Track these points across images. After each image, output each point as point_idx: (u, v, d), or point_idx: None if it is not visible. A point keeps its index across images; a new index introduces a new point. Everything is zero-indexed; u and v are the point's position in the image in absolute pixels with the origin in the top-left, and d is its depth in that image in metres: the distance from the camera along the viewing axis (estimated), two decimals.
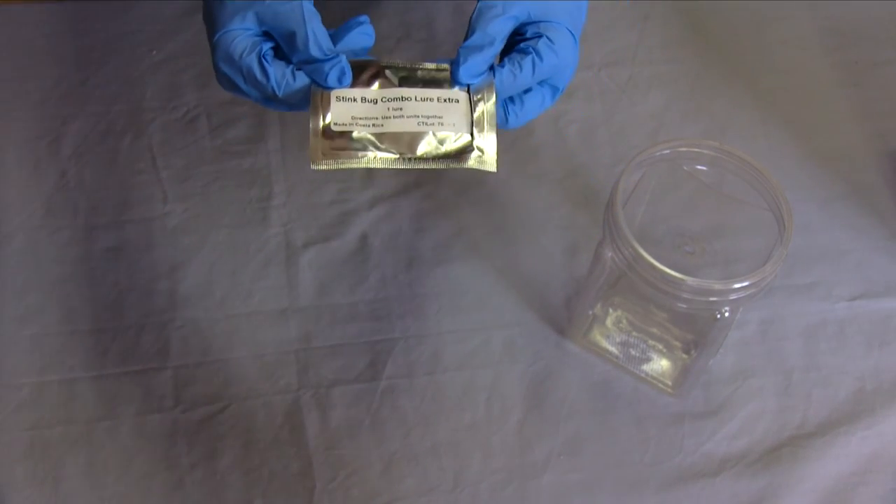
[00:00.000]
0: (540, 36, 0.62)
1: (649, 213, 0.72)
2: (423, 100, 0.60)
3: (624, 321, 0.77)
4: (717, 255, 0.71)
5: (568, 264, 0.81)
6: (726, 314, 0.67)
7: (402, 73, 0.62)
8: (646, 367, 0.77)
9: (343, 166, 0.59)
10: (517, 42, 0.64)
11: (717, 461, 0.74)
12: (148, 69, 0.88)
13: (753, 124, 0.89)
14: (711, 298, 0.65)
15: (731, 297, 0.65)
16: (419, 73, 0.62)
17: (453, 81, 0.62)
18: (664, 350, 0.77)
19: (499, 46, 0.63)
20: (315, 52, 0.60)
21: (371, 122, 0.60)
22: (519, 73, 0.62)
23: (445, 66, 0.63)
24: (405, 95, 0.61)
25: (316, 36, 0.60)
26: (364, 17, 0.64)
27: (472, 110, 0.61)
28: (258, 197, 0.83)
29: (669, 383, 0.77)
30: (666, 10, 0.95)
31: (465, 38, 0.63)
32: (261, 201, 0.82)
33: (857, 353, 0.79)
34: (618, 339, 0.78)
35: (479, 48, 0.61)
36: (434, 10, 0.93)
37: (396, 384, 0.76)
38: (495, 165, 0.60)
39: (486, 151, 0.60)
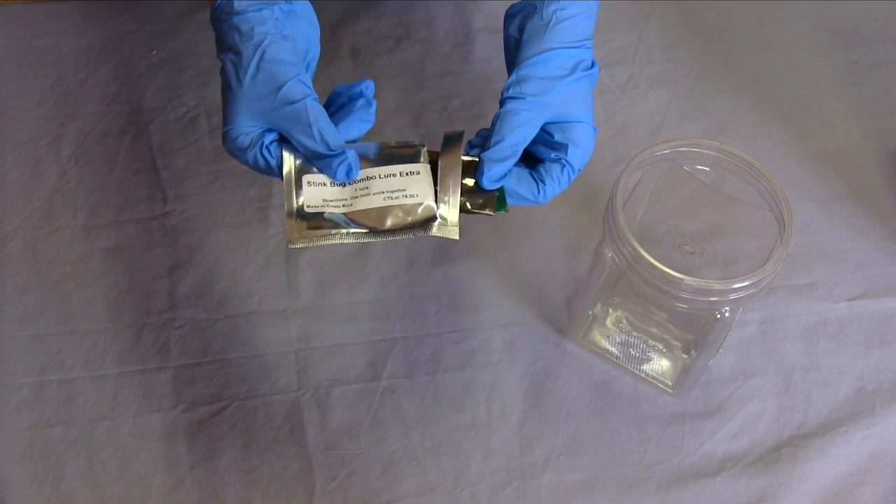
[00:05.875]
0: (566, 145, 0.65)
1: (649, 213, 0.72)
2: (387, 176, 0.64)
3: (624, 321, 0.77)
4: (717, 255, 0.71)
5: (568, 264, 0.81)
6: (726, 314, 0.67)
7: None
8: (646, 367, 0.77)
9: (318, 244, 0.63)
10: (543, 140, 0.67)
11: (717, 461, 0.74)
12: (148, 69, 0.88)
13: (753, 124, 0.89)
14: (711, 298, 0.65)
15: (731, 297, 0.65)
16: (385, 151, 0.66)
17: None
18: (664, 350, 0.77)
19: (520, 153, 0.66)
20: (323, 150, 0.63)
21: (341, 203, 0.64)
22: (558, 186, 0.66)
23: (409, 141, 0.66)
24: (370, 175, 0.64)
25: (323, 135, 0.63)
26: (366, 87, 0.66)
27: (434, 180, 0.64)
28: (258, 197, 0.83)
29: (669, 383, 0.77)
30: (666, 10, 0.95)
31: (490, 139, 0.65)
32: (261, 201, 0.82)
33: (857, 353, 0.79)
34: (618, 339, 0.78)
35: (502, 159, 0.65)
36: (434, 10, 0.93)
37: (396, 384, 0.76)
38: (457, 234, 0.64)
39: (449, 219, 0.64)
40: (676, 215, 0.72)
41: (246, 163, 0.65)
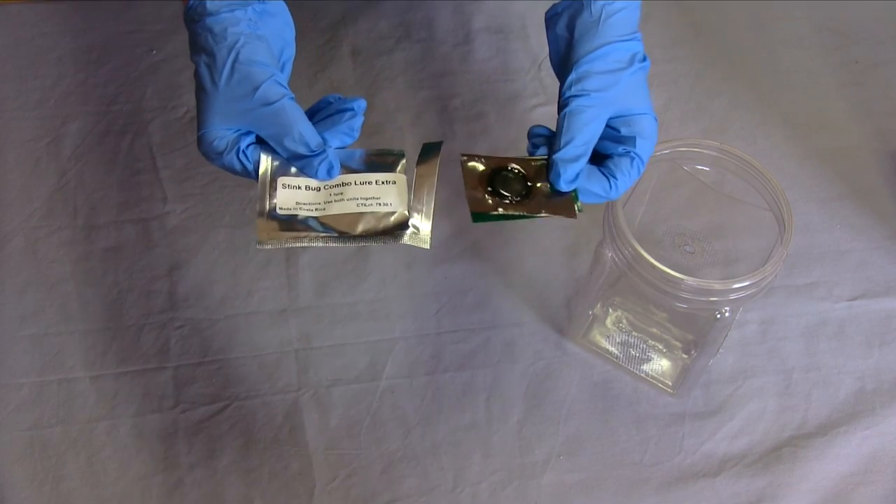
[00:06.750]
0: (634, 137, 0.65)
1: (649, 213, 0.72)
2: (363, 183, 0.64)
3: (624, 321, 0.77)
4: (717, 255, 0.71)
5: (568, 264, 0.81)
6: (726, 314, 0.67)
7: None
8: (646, 367, 0.77)
9: (287, 245, 0.62)
10: (609, 136, 0.66)
11: (717, 461, 0.74)
12: (148, 69, 0.88)
13: (753, 124, 0.89)
14: (711, 298, 0.65)
15: (731, 297, 0.65)
16: (365, 158, 0.65)
17: (553, 187, 0.64)
18: (664, 350, 0.77)
19: (591, 150, 0.65)
20: (304, 150, 0.62)
21: (314, 207, 0.63)
22: (629, 179, 0.65)
23: (389, 150, 0.65)
24: (346, 181, 0.64)
25: (303, 135, 0.62)
26: (358, 106, 0.65)
27: (409, 190, 0.64)
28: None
29: (669, 383, 0.77)
30: (666, 10, 0.95)
31: (558, 141, 0.63)
32: None
33: (857, 353, 0.79)
34: (618, 339, 0.78)
35: (575, 159, 0.63)
36: (434, 10, 0.93)
37: (396, 384, 0.76)
38: (429, 243, 0.63)
39: (421, 229, 0.63)
40: (676, 215, 0.72)
41: (222, 166, 0.64)
